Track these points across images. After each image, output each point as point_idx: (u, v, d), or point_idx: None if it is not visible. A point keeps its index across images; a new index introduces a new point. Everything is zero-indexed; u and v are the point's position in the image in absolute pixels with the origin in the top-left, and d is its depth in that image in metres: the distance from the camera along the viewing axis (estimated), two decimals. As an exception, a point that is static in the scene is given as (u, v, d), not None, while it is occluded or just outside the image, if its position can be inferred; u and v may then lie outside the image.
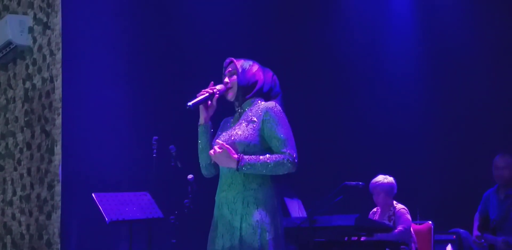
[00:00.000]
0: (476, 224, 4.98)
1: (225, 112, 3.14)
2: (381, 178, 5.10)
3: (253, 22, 6.43)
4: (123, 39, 5.91)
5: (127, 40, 5.94)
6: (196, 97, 2.97)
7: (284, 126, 2.92)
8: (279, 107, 2.97)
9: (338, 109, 6.68)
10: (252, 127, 2.93)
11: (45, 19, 6.09)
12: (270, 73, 3.10)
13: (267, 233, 2.86)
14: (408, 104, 6.78)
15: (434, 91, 6.76)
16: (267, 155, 2.88)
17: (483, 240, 4.78)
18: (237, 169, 2.86)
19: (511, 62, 6.24)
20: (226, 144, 2.92)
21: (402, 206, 5.05)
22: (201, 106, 3.00)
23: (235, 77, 3.02)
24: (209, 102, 3.01)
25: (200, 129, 3.04)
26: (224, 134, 3.01)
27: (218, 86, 3.03)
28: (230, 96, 3.04)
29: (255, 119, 2.94)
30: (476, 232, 4.92)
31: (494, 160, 4.96)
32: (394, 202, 5.09)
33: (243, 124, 2.96)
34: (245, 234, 2.85)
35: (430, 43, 6.81)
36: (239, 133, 2.93)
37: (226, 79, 3.05)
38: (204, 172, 3.09)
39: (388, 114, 6.71)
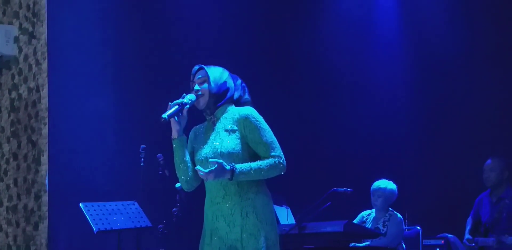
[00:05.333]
0: (468, 228, 5.01)
1: (192, 121, 3.06)
2: (384, 182, 5.15)
3: (239, 28, 6.45)
4: (109, 48, 5.91)
5: (113, 49, 5.94)
6: (168, 108, 2.89)
7: (265, 129, 2.90)
8: (255, 111, 2.94)
9: (326, 115, 6.70)
10: (235, 136, 2.89)
11: (30, 29, 6.07)
12: (238, 80, 3.06)
13: (270, 241, 2.86)
14: (396, 110, 6.81)
15: (423, 96, 6.79)
16: (258, 161, 2.86)
17: (473, 244, 4.82)
18: (231, 179, 2.82)
19: (501, 64, 6.27)
20: (212, 156, 2.88)
21: (399, 215, 5.07)
22: (172, 119, 2.90)
23: (206, 85, 2.96)
24: (180, 114, 2.91)
25: (174, 143, 2.94)
26: (203, 147, 2.95)
27: (189, 96, 2.95)
28: (201, 104, 2.97)
29: (235, 127, 2.90)
30: (467, 236, 4.95)
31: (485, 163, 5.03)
32: (390, 209, 5.13)
33: (223, 133, 2.92)
34: (247, 244, 2.83)
35: (418, 47, 6.85)
36: (224, 144, 2.89)
37: (197, 87, 2.98)
38: (185, 186, 3.02)
39: (376, 120, 6.74)
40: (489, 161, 5.00)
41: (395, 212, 5.09)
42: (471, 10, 6.48)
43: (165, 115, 2.88)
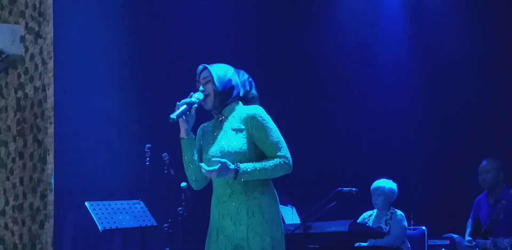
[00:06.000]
0: (468, 230, 5.01)
1: (200, 119, 3.07)
2: (384, 181, 5.16)
3: (244, 28, 6.45)
4: (115, 47, 5.92)
5: (119, 48, 5.95)
6: (176, 108, 2.89)
7: (272, 129, 2.90)
8: (262, 110, 2.94)
9: (331, 115, 6.70)
10: (242, 136, 2.89)
11: (36, 28, 6.09)
12: (244, 75, 3.05)
13: (275, 241, 2.86)
14: (401, 110, 6.80)
15: (428, 96, 6.77)
16: (263, 161, 2.86)
17: (474, 243, 4.81)
18: (235, 178, 2.83)
19: (502, 67, 6.25)
20: (219, 156, 2.88)
21: (400, 212, 5.08)
22: (180, 119, 2.89)
23: (210, 84, 2.96)
24: (188, 113, 2.91)
25: (183, 142, 2.93)
26: (211, 145, 2.95)
27: (197, 95, 2.95)
28: (208, 104, 2.97)
29: (242, 126, 2.90)
30: (467, 237, 4.94)
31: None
32: (392, 207, 5.14)
33: (230, 133, 2.92)
34: (253, 244, 2.84)
35: (423, 49, 6.84)
36: (231, 143, 2.89)
37: (202, 88, 2.98)
38: (194, 185, 3.02)
39: (381, 121, 6.73)
40: (484, 162, 4.97)
41: (396, 209, 5.10)
42: (476, 12, 6.47)
43: (173, 115, 2.87)
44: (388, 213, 5.09)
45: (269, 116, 2.94)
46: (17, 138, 6.38)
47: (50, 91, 5.81)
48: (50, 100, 5.81)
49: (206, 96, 2.97)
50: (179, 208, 4.89)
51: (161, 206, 5.00)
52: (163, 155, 5.00)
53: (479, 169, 4.96)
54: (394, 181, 5.29)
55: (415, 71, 6.89)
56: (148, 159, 5.00)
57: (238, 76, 3.03)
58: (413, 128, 6.78)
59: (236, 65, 3.16)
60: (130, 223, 4.61)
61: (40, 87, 6.00)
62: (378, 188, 5.13)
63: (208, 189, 3.05)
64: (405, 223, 5.06)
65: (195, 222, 3.72)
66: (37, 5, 6.11)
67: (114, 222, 4.56)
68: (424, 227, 5.37)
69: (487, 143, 6.12)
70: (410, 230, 5.35)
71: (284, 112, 5.99)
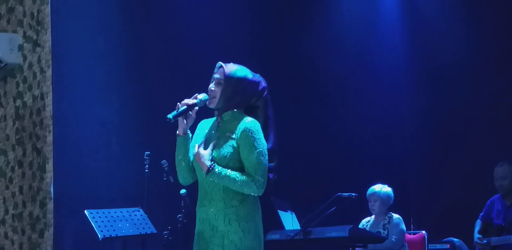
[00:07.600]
0: (477, 228, 5.00)
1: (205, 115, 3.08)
2: (379, 186, 5.16)
3: (242, 31, 6.45)
4: (113, 55, 5.93)
5: (117, 56, 5.95)
6: (176, 108, 2.89)
7: (258, 148, 2.85)
8: (257, 127, 2.88)
9: (330, 120, 6.70)
10: (231, 144, 2.87)
11: (34, 37, 6.11)
12: (262, 85, 2.98)
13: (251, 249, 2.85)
14: (402, 114, 6.80)
15: (429, 99, 6.76)
16: (239, 173, 2.84)
17: (485, 241, 4.81)
18: (205, 176, 2.85)
19: (508, 68, 6.23)
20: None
21: (397, 216, 5.08)
22: (179, 118, 2.89)
23: (219, 87, 2.92)
24: (189, 113, 2.90)
25: (179, 140, 2.94)
26: (203, 145, 2.93)
27: (200, 96, 2.93)
28: (212, 105, 2.95)
29: (233, 136, 2.88)
30: (477, 235, 4.94)
31: (494, 170, 4.99)
32: (390, 212, 5.14)
33: (222, 137, 2.91)
34: None
35: (422, 50, 6.82)
36: (217, 148, 2.88)
37: (211, 87, 2.95)
38: (181, 181, 3.04)
39: (381, 125, 6.73)
40: (498, 168, 4.96)
41: (393, 214, 5.10)
42: (476, 13, 6.46)
43: (170, 115, 2.86)
44: (386, 217, 5.08)
45: (261, 135, 2.88)
46: (16, 146, 6.39)
47: (49, 100, 5.83)
48: (49, 109, 5.82)
49: (212, 97, 2.94)
50: (179, 215, 4.88)
51: (160, 213, 4.99)
52: (162, 162, 5.00)
53: (495, 175, 4.95)
54: (394, 185, 5.28)
55: (414, 75, 6.89)
56: (147, 166, 5.00)
57: (252, 84, 2.95)
58: (412, 132, 6.77)
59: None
60: (130, 231, 4.60)
61: (38, 95, 6.01)
62: (374, 193, 5.13)
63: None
64: (403, 227, 5.05)
65: (194, 229, 3.71)
66: (35, 14, 6.13)
67: (114, 230, 4.55)
68: (424, 231, 5.36)
69: (487, 147, 6.11)
70: (410, 234, 5.34)
71: (283, 117, 5.98)
